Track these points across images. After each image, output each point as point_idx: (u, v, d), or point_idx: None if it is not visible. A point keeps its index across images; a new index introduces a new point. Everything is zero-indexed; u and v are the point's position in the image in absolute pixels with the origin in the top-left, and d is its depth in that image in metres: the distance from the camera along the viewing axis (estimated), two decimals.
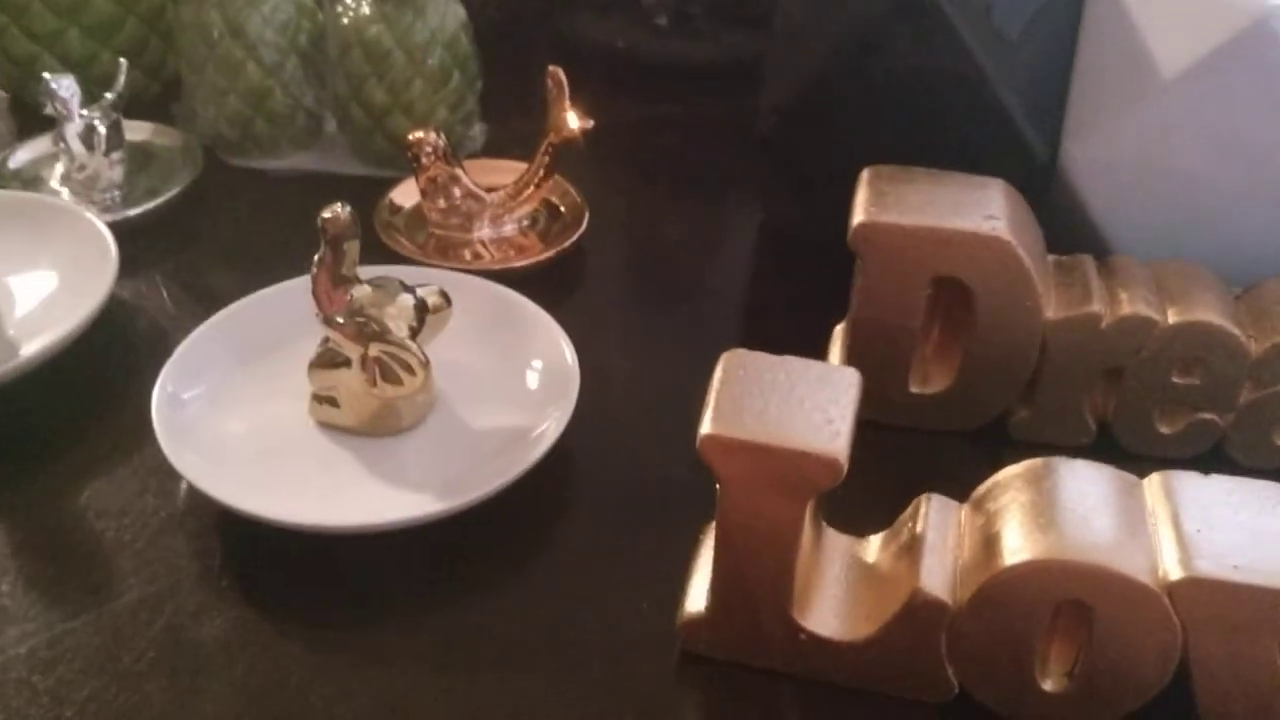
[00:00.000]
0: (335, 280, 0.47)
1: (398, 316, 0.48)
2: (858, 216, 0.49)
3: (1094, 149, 0.54)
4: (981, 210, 0.48)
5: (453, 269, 0.57)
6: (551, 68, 0.60)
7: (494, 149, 0.69)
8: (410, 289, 0.49)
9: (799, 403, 0.39)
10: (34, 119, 0.69)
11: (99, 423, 0.52)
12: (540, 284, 0.57)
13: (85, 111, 0.61)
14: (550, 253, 0.60)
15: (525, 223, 0.62)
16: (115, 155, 0.62)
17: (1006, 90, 0.53)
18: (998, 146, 0.54)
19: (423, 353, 0.47)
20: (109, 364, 0.54)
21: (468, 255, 0.61)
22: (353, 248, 0.47)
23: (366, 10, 0.62)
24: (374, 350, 0.48)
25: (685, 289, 0.62)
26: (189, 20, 0.64)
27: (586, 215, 0.62)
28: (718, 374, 0.40)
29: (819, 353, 0.54)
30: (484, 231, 0.62)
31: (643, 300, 0.62)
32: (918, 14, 0.52)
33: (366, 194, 0.64)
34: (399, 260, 0.59)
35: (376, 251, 0.59)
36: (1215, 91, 0.51)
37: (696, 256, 0.64)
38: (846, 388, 0.40)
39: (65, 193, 0.63)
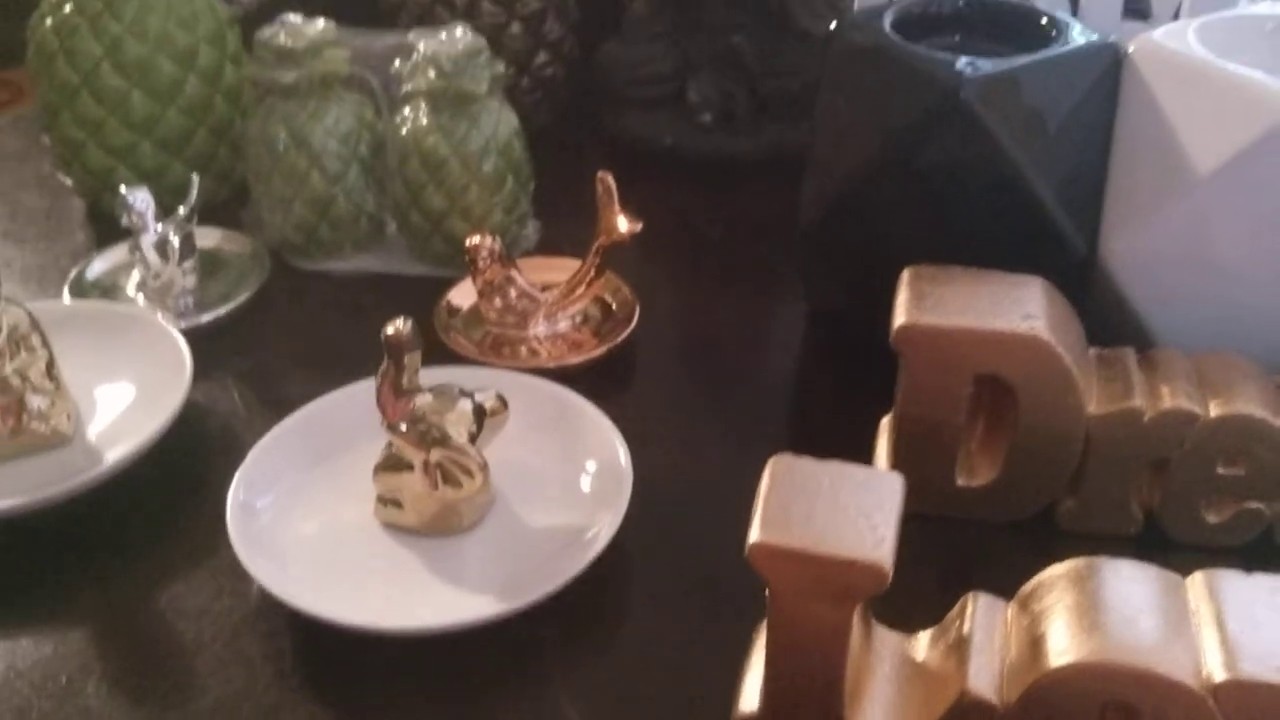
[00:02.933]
0: (398, 391, 0.49)
1: (457, 422, 0.50)
2: (900, 318, 0.50)
3: (1133, 242, 0.55)
4: (1020, 310, 0.50)
5: (509, 368, 0.60)
6: (600, 173, 0.62)
7: (547, 245, 0.72)
8: (469, 395, 0.51)
9: (844, 509, 0.40)
10: (109, 226, 0.73)
11: (176, 526, 0.54)
12: (594, 378, 0.60)
13: (160, 225, 0.64)
14: (603, 349, 0.62)
15: (578, 319, 0.65)
16: (188, 264, 0.65)
17: (1044, 185, 0.55)
18: (1037, 240, 0.56)
19: (481, 456, 0.50)
20: (185, 467, 0.57)
21: (524, 352, 0.63)
22: (414, 359, 0.49)
23: (424, 121, 0.65)
24: (435, 456, 0.50)
25: (734, 381, 0.64)
26: (256, 134, 0.67)
27: (637, 311, 0.64)
28: (765, 480, 0.42)
29: (867, 445, 0.56)
30: (539, 329, 0.64)
31: (693, 393, 0.63)
32: (956, 115, 0.53)
33: (426, 293, 0.67)
34: (457, 360, 0.61)
35: (436, 350, 0.62)
36: (1250, 185, 0.52)
37: (744, 348, 0.66)
38: (890, 494, 0.41)
39: (141, 300, 0.66)
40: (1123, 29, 0.75)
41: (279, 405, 0.59)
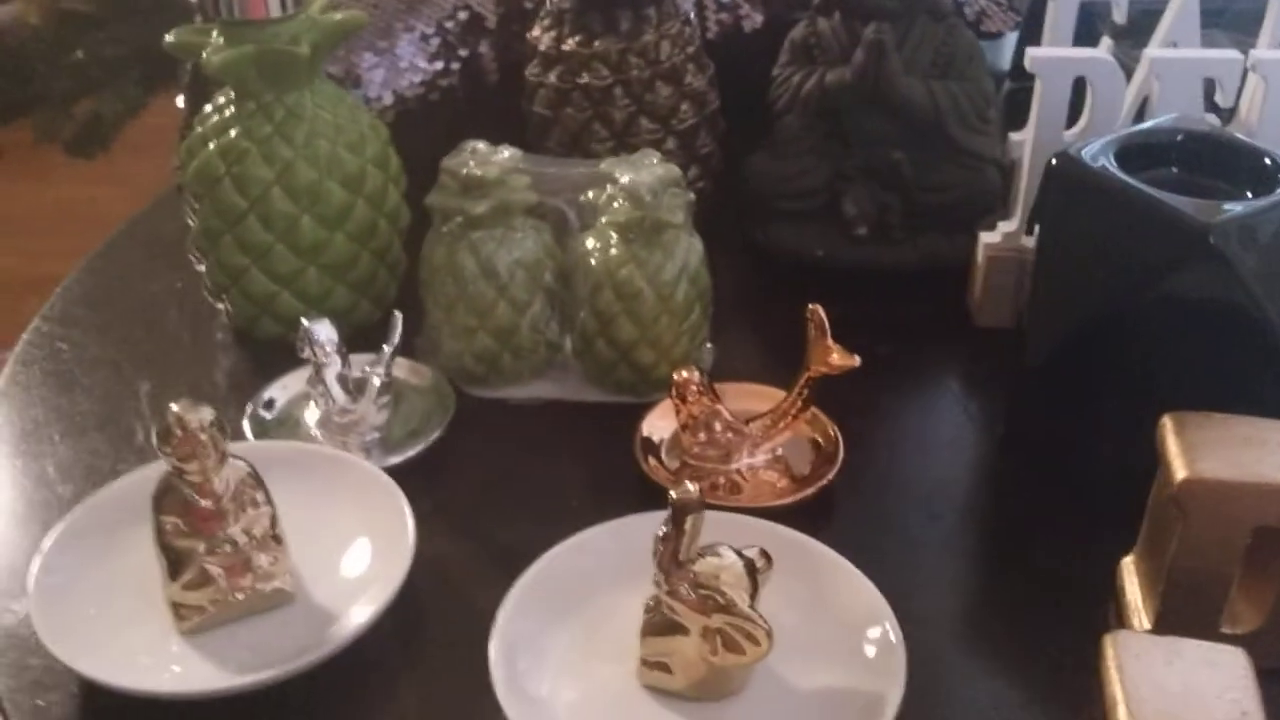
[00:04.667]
0: (680, 555, 0.48)
1: (735, 584, 0.49)
2: (1180, 472, 0.50)
3: None
4: None
5: (727, 507, 0.58)
6: (811, 306, 0.61)
7: (721, 368, 0.71)
8: (737, 551, 0.50)
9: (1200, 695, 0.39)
10: (261, 353, 0.71)
11: (429, 689, 0.52)
12: (797, 515, 0.59)
13: (362, 370, 0.62)
14: (816, 488, 0.61)
15: (779, 451, 0.64)
16: (383, 400, 0.63)
17: None
18: (1275, 381, 0.56)
19: (767, 622, 0.48)
20: (412, 621, 0.55)
21: (723, 484, 0.62)
22: (698, 522, 0.48)
23: (615, 251, 0.64)
24: (717, 621, 0.48)
25: (933, 512, 0.63)
26: (440, 262, 0.65)
27: (841, 447, 0.63)
28: (1110, 665, 0.41)
29: (1106, 583, 0.55)
30: (742, 462, 0.63)
31: (891, 528, 0.62)
32: (1204, 258, 0.53)
33: (609, 420, 0.66)
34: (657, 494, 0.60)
35: (626, 489, 0.61)
36: None
37: (941, 477, 0.65)
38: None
39: (320, 435, 0.64)
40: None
41: (490, 548, 0.58)
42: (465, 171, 0.64)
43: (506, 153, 0.65)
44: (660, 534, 0.48)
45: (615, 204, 0.64)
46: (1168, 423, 0.52)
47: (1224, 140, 0.60)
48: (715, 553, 0.49)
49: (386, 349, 0.62)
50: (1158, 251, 0.54)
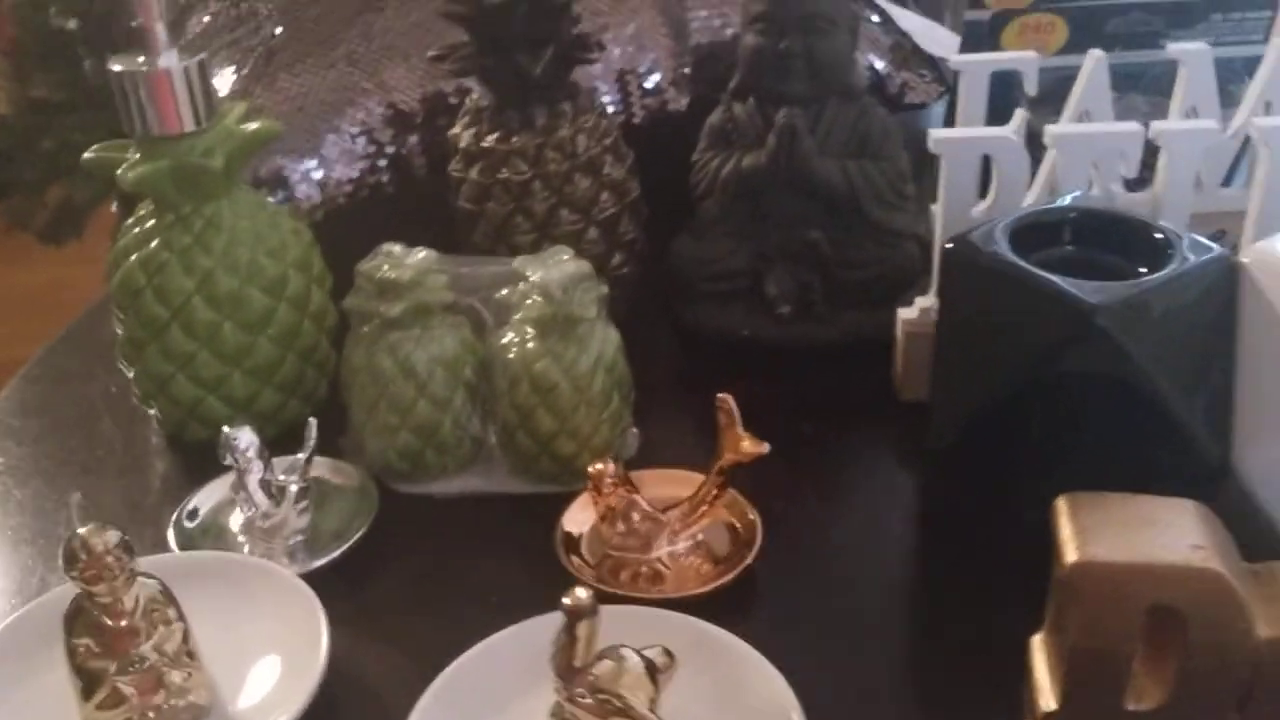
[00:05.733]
0: (575, 662, 0.48)
1: (634, 687, 0.49)
2: (1070, 555, 0.50)
3: (1267, 452, 0.56)
4: (1186, 540, 0.50)
5: (645, 600, 0.59)
6: (720, 396, 0.62)
7: (648, 452, 0.71)
8: (638, 652, 0.50)
9: None
10: (193, 458, 0.72)
11: None
12: (719, 601, 0.60)
13: (282, 475, 0.63)
14: (734, 573, 0.61)
15: (700, 537, 0.64)
16: (303, 504, 0.64)
17: (1177, 398, 0.56)
18: (1173, 452, 0.57)
19: None
20: None
21: (644, 573, 0.63)
22: (592, 627, 0.48)
23: (531, 346, 0.65)
24: None
25: (857, 592, 0.63)
26: (360, 363, 0.66)
27: (760, 531, 0.63)
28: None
29: (1017, 662, 0.56)
30: (662, 550, 0.63)
31: (816, 609, 0.62)
32: (1091, 339, 0.54)
33: (531, 510, 0.66)
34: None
35: (548, 582, 0.61)
36: None
37: (863, 556, 0.65)
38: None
39: (246, 541, 0.65)
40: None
41: (409, 652, 0.58)
42: (379, 275, 0.65)
43: (421, 254, 0.67)
44: (555, 640, 0.49)
45: (528, 301, 0.65)
46: (1061, 505, 0.53)
47: (1117, 216, 0.61)
48: (616, 655, 0.50)
49: (301, 455, 0.63)
50: (1048, 332, 0.56)
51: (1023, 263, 0.57)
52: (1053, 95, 0.84)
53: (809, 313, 0.78)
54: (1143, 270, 0.58)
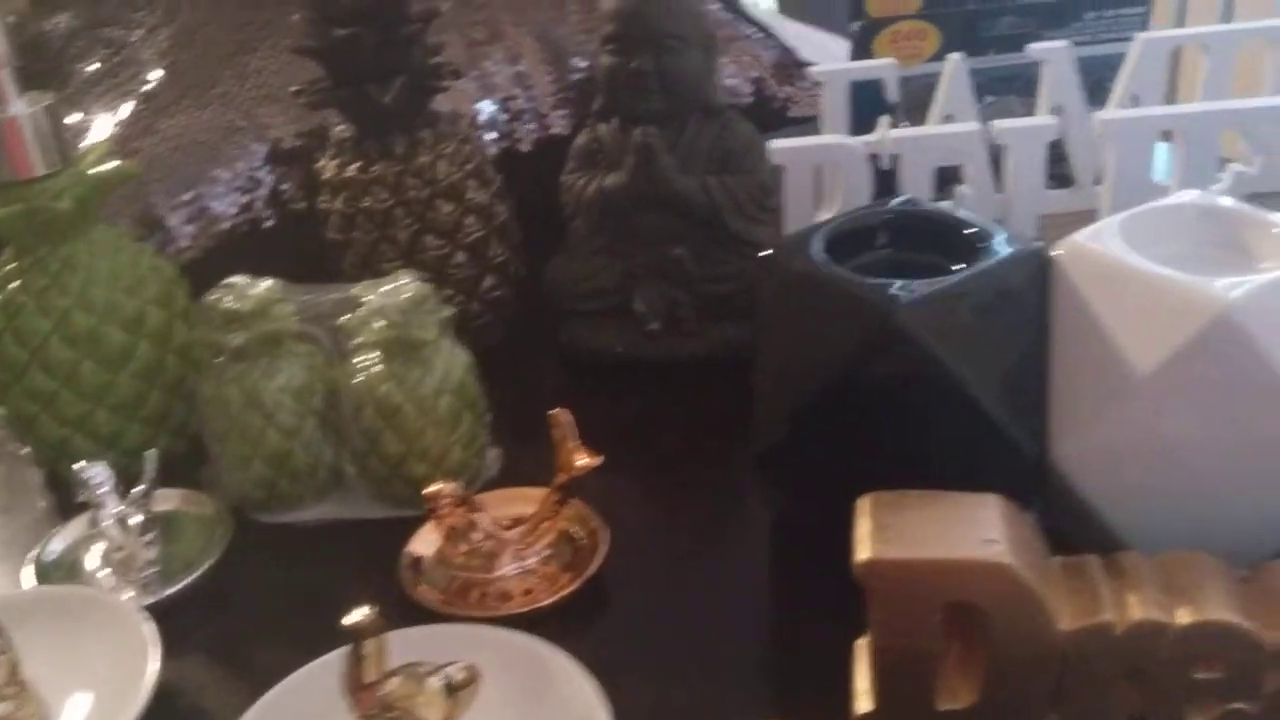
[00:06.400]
0: (364, 680, 0.49)
1: (428, 705, 0.49)
2: (862, 553, 0.50)
3: (1082, 444, 0.56)
4: (980, 534, 0.50)
5: (481, 617, 0.59)
6: (554, 411, 0.62)
7: (510, 471, 0.72)
8: (438, 669, 0.50)
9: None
10: (69, 494, 0.73)
11: None
12: (567, 613, 0.60)
13: (123, 505, 0.63)
14: (572, 587, 0.62)
15: (547, 552, 0.64)
16: (148, 536, 0.64)
17: (988, 395, 0.56)
18: (988, 449, 0.56)
19: None
20: None
21: (493, 592, 0.63)
22: (377, 645, 0.49)
23: (376, 369, 0.66)
24: None
25: (705, 601, 0.63)
26: (209, 395, 0.67)
27: (604, 542, 0.64)
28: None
29: (846, 665, 0.55)
30: (507, 569, 0.63)
31: (664, 619, 0.62)
32: (892, 340, 0.54)
33: (390, 535, 0.66)
34: (423, 611, 0.60)
35: (400, 605, 0.61)
36: (1191, 383, 0.53)
37: (712, 563, 0.66)
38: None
39: (106, 574, 0.65)
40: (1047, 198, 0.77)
41: (251, 676, 0.58)
42: (222, 307, 0.66)
43: (265, 284, 0.67)
44: (343, 660, 0.49)
45: (370, 326, 0.66)
46: (862, 504, 0.53)
47: (931, 215, 0.61)
48: (409, 672, 0.50)
49: (139, 489, 0.64)
50: (854, 334, 0.55)
51: (827, 266, 0.57)
52: (930, 102, 0.84)
53: (678, 327, 0.78)
54: (959, 268, 0.58)
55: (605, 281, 0.79)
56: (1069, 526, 0.58)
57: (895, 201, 0.62)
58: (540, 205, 0.84)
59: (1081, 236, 0.58)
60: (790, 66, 0.93)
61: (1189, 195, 0.60)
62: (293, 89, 0.77)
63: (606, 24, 0.76)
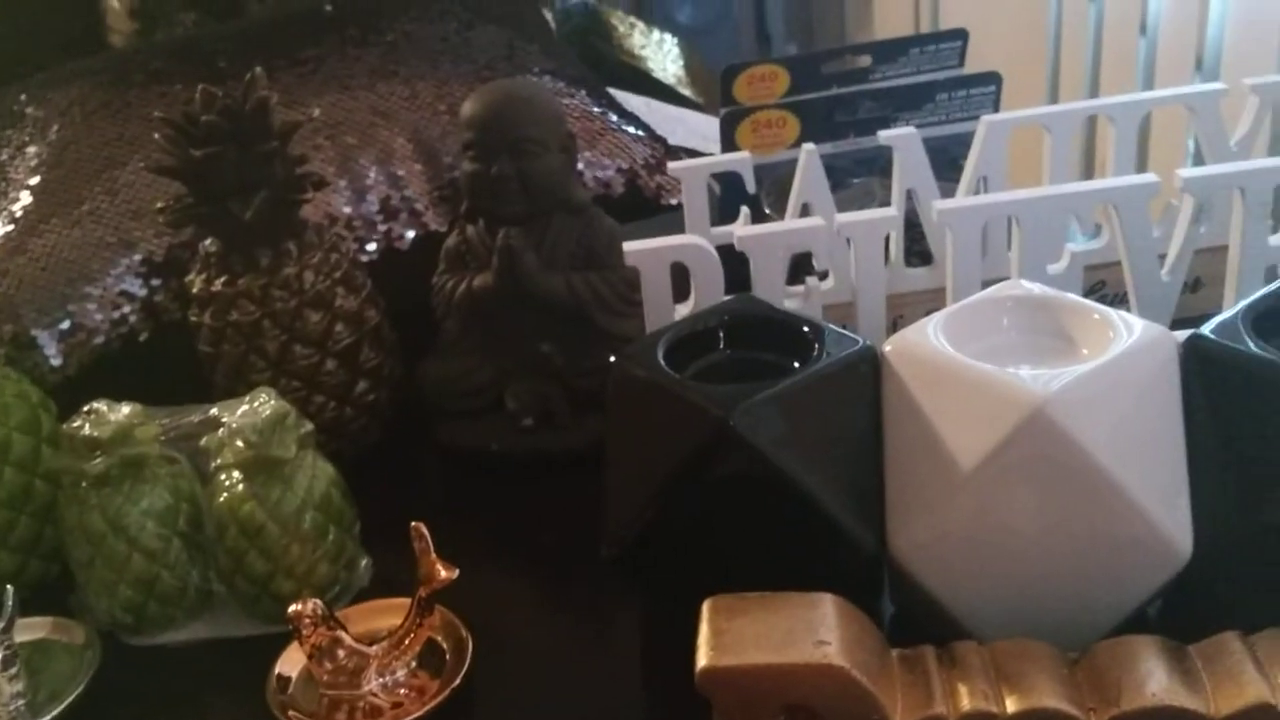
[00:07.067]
0: None
1: None
2: (700, 660, 0.51)
3: (917, 536, 0.58)
4: (813, 636, 0.51)
5: None
6: (414, 524, 0.63)
7: (385, 580, 0.72)
8: None
9: None
10: None
11: None
12: None
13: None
14: (437, 700, 0.62)
15: (414, 663, 0.65)
16: (12, 670, 0.64)
17: (826, 493, 0.57)
18: (828, 545, 0.58)
19: None
20: None
21: (363, 708, 0.63)
22: None
23: (238, 489, 0.66)
24: None
25: (576, 703, 0.64)
26: (72, 523, 0.67)
27: (470, 650, 0.64)
28: None
29: None
30: (373, 684, 0.64)
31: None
32: (730, 445, 0.56)
33: (264, 652, 0.66)
34: None
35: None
36: (1015, 472, 0.55)
37: (585, 665, 0.66)
38: None
39: None
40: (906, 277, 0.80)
41: None
42: (82, 434, 0.66)
43: (125, 409, 0.68)
44: None
45: (230, 446, 0.66)
46: (704, 609, 0.54)
47: (767, 315, 0.63)
48: None
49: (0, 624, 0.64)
50: (691, 439, 0.57)
51: (665, 374, 0.58)
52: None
53: (551, 423, 0.79)
54: (796, 365, 0.60)
55: (478, 380, 0.80)
56: (919, 614, 0.59)
57: (735, 300, 0.64)
58: (422, 302, 0.85)
59: (908, 333, 0.60)
60: (661, 156, 0.95)
61: (1009, 287, 0.62)
62: (158, 205, 0.78)
63: (465, 131, 0.78)
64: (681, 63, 1.65)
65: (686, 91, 1.55)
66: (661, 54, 1.66)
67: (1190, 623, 0.54)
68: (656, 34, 1.67)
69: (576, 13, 1.66)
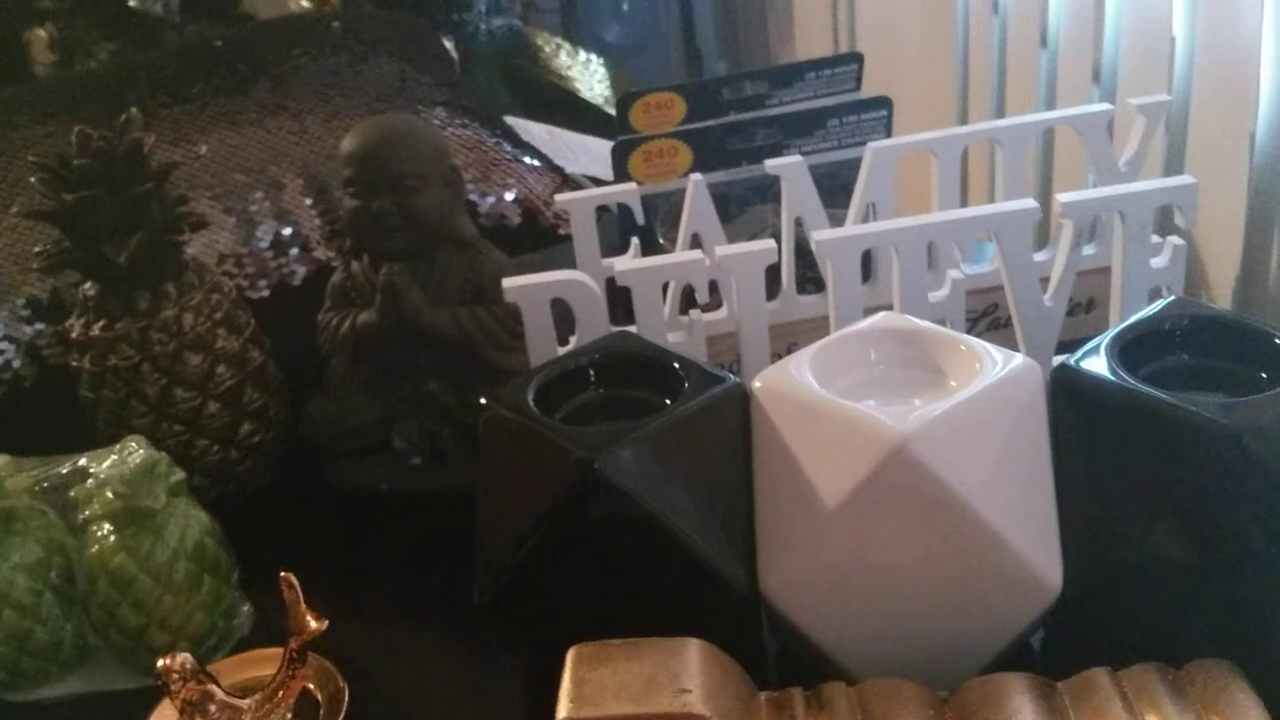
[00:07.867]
0: None
1: None
2: (560, 711, 0.50)
3: (786, 574, 0.57)
4: (675, 684, 0.51)
5: None
6: (283, 574, 0.62)
7: (268, 627, 0.71)
8: None
9: None
10: None
11: None
12: None
13: None
14: None
15: (289, 716, 0.64)
16: None
17: (696, 534, 0.56)
18: (700, 587, 0.57)
19: None
20: None
21: None
22: None
23: (109, 541, 0.65)
24: None
25: None
26: None
27: (347, 698, 0.63)
28: None
29: None
30: None
31: None
32: (595, 488, 0.55)
33: (141, 705, 0.65)
34: None
35: None
36: (879, 508, 0.55)
37: (468, 713, 0.65)
38: None
39: None
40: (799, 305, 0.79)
41: None
42: None
43: None
44: None
45: (98, 497, 0.65)
46: (568, 658, 0.53)
47: (636, 354, 0.63)
48: None
49: None
50: (558, 483, 0.56)
51: (532, 416, 0.58)
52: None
53: (441, 460, 0.78)
54: (668, 403, 0.60)
55: (366, 418, 0.79)
56: (789, 657, 0.59)
57: (609, 338, 0.64)
58: (312, 343, 0.84)
59: (776, 369, 0.60)
60: (558, 185, 0.95)
61: (880, 320, 0.62)
62: (36, 250, 0.76)
63: (344, 167, 0.77)
64: (608, 83, 1.65)
65: (613, 111, 1.55)
66: (588, 74, 1.66)
67: (1071, 657, 0.54)
68: (583, 54, 1.67)
69: (500, 34, 1.65)
